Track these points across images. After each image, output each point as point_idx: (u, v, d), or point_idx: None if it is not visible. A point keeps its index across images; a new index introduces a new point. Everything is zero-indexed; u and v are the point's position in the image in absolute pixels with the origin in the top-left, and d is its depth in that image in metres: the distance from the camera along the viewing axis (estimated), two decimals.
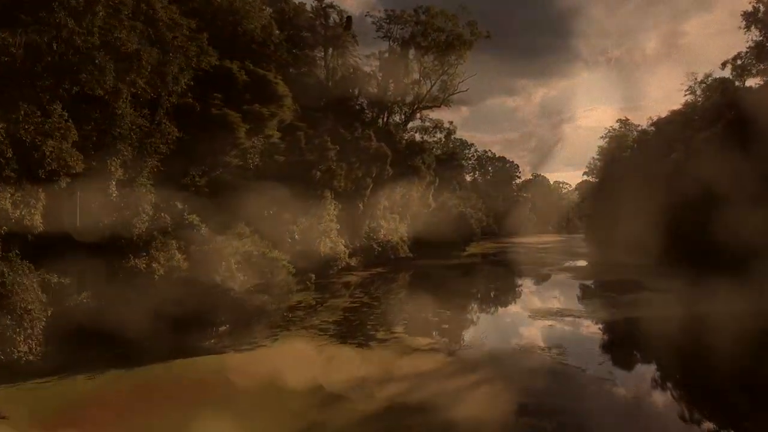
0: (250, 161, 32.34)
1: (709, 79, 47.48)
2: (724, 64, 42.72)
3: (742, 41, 43.86)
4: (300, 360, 20.28)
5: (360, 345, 22.79)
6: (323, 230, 38.95)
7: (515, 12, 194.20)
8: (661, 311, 30.54)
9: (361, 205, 48.67)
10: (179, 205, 27.53)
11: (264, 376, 18.12)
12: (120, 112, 22.33)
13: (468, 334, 26.31)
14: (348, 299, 35.93)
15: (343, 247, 47.25)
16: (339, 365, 19.59)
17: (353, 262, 49.81)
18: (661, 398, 17.60)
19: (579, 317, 30.15)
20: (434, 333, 25.46)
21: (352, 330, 25.77)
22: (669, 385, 18.84)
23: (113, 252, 24.05)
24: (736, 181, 36.41)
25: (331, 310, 31.23)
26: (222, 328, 25.36)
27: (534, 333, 26.09)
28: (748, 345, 21.85)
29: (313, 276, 39.95)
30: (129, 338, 21.00)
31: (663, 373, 20.08)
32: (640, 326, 27.01)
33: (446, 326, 27.85)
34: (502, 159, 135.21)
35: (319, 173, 36.55)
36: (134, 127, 23.81)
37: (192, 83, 27.95)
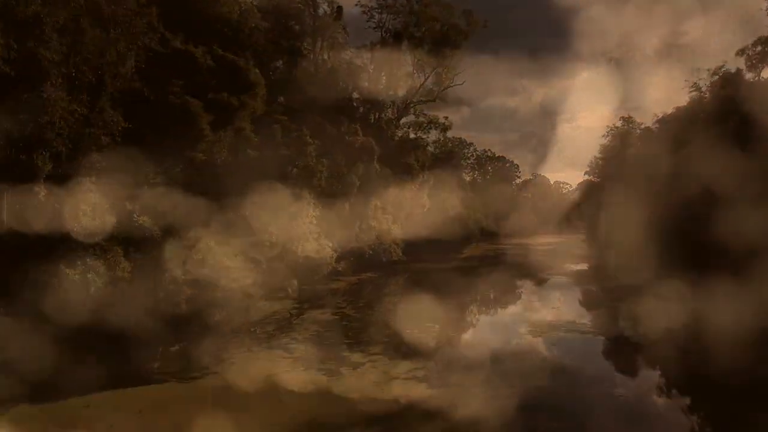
0: (217, 156, 28.87)
1: (722, 70, 43.86)
2: (741, 51, 39.14)
3: (742, 43, 40.44)
4: (247, 394, 16.83)
5: (328, 372, 19.23)
6: (303, 233, 35.49)
7: (515, 12, 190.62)
8: (676, 324, 27.05)
9: (347, 206, 45.15)
10: (128, 206, 24.17)
11: (200, 416, 14.73)
12: (46, 95, 18.93)
13: (458, 357, 22.70)
14: (328, 309, 32.45)
15: (330, 250, 43.76)
16: (295, 403, 16.11)
17: (341, 266, 46.25)
18: None
19: (585, 332, 26.89)
20: (418, 355, 21.78)
21: (324, 351, 22.14)
22: None
23: (44, 260, 20.73)
24: (747, 181, 33.64)
25: (306, 324, 27.74)
26: (173, 349, 22.03)
27: (535, 354, 22.69)
28: None
29: (295, 283, 36.57)
30: (50, 363, 17.65)
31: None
32: (659, 345, 23.53)
33: (434, 345, 24.25)
34: (502, 159, 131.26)
35: (295, 170, 33.04)
36: (67, 114, 20.39)
37: (144, 66, 24.58)
